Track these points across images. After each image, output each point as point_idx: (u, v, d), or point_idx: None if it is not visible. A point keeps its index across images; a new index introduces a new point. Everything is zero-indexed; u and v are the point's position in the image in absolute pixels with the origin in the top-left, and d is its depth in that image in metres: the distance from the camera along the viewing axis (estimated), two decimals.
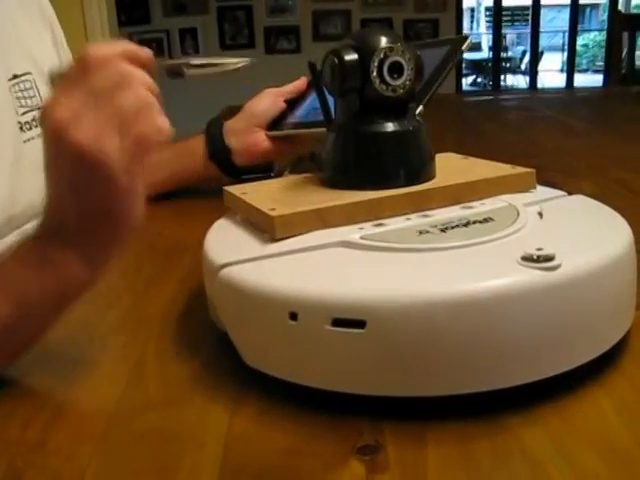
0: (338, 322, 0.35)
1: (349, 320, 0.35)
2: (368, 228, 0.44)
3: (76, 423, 0.38)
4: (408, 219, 0.45)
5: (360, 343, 0.35)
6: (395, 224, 0.44)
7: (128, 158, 0.39)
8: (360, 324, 0.35)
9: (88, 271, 0.42)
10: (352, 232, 0.43)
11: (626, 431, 0.35)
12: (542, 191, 0.51)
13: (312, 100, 0.82)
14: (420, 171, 0.49)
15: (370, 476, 0.32)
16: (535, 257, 0.36)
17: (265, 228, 0.45)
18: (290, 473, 0.33)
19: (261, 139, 0.82)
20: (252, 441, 0.35)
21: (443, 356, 0.35)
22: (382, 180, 0.48)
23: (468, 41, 0.73)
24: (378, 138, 0.48)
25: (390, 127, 0.48)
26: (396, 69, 0.47)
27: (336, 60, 0.48)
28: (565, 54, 7.60)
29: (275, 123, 0.83)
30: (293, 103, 0.84)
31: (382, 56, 0.47)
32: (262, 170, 0.91)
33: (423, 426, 0.35)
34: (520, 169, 0.51)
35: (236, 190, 0.52)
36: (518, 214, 0.44)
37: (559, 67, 9.01)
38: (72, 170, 0.39)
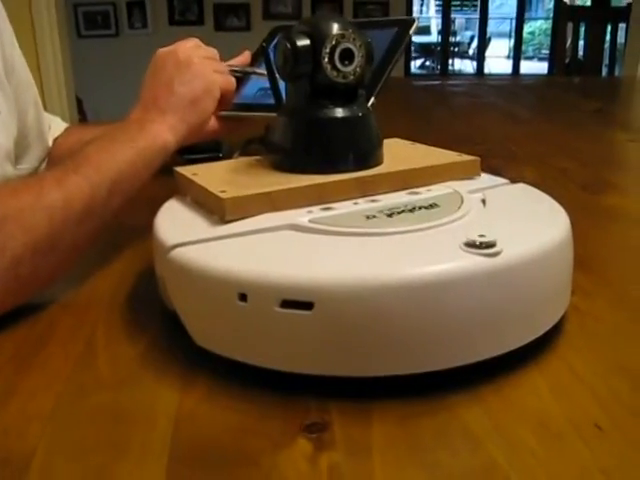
0: (287, 303, 0.36)
1: (297, 302, 0.36)
2: (316, 212, 0.45)
3: (25, 402, 0.38)
4: (356, 203, 0.46)
5: (308, 324, 0.36)
6: (343, 208, 0.45)
7: (215, 76, 0.70)
8: (308, 306, 0.36)
9: (172, 135, 0.63)
10: (301, 215, 0.44)
11: (558, 409, 0.37)
12: (486, 179, 0.53)
13: (258, 78, 0.83)
14: (368, 157, 0.50)
15: (317, 453, 0.33)
16: (477, 243, 0.37)
17: (215, 210, 0.45)
18: (240, 451, 0.34)
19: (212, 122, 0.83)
20: (202, 420, 0.36)
21: (387, 338, 0.36)
22: (331, 165, 0.48)
23: (415, 24, 0.74)
24: (328, 123, 0.49)
25: (340, 113, 0.49)
26: (347, 56, 0.48)
27: (288, 45, 0.48)
28: (512, 41, 7.73)
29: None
30: (238, 80, 0.84)
31: (334, 43, 0.48)
32: (211, 150, 0.91)
33: (368, 405, 0.37)
34: (465, 157, 0.53)
35: (187, 171, 0.52)
36: (462, 201, 0.46)
37: (506, 54, 9.15)
38: (179, 71, 0.67)
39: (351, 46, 0.48)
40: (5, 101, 0.72)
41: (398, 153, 0.54)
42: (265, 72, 0.82)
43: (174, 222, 0.46)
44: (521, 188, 0.52)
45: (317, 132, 0.49)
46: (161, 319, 0.46)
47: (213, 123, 0.80)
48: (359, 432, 0.35)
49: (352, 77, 0.49)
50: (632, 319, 0.47)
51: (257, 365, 0.38)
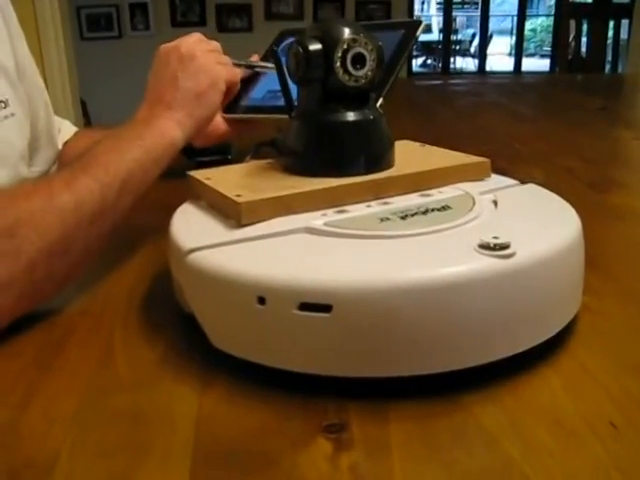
0: (305, 306, 0.36)
1: (316, 304, 0.36)
2: (331, 215, 0.45)
3: (47, 405, 0.39)
4: (369, 206, 0.47)
5: (326, 326, 0.37)
6: (357, 211, 0.46)
7: (219, 68, 0.70)
8: (326, 308, 0.36)
9: (179, 130, 0.63)
10: (315, 218, 0.44)
11: (573, 407, 0.37)
12: (496, 180, 0.53)
13: (267, 80, 0.83)
14: (380, 159, 0.51)
15: (337, 453, 0.34)
16: (491, 245, 0.38)
17: (230, 214, 0.46)
18: (261, 452, 0.34)
19: (218, 121, 0.81)
20: (222, 421, 0.36)
21: (404, 339, 0.37)
22: (344, 168, 0.49)
23: (422, 26, 0.75)
24: (340, 127, 0.49)
25: (352, 116, 0.49)
26: (359, 60, 0.49)
27: (301, 49, 0.49)
28: (514, 38, 7.72)
29: (230, 104, 0.83)
30: (247, 82, 0.84)
31: (345, 47, 0.48)
32: (220, 152, 0.92)
33: (385, 405, 0.37)
34: (475, 158, 0.53)
35: (200, 175, 0.52)
36: (474, 202, 0.47)
37: (507, 51, 9.14)
38: (183, 65, 0.67)
39: (363, 50, 0.49)
40: (20, 104, 0.73)
41: (409, 155, 0.54)
42: (268, 65, 0.83)
43: (190, 226, 0.47)
44: (531, 189, 0.52)
45: (330, 136, 0.49)
46: (177, 321, 0.47)
47: (222, 126, 0.81)
48: (377, 432, 0.35)
49: (364, 81, 0.49)
50: None
51: (275, 367, 0.39)
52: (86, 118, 3.17)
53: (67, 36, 2.78)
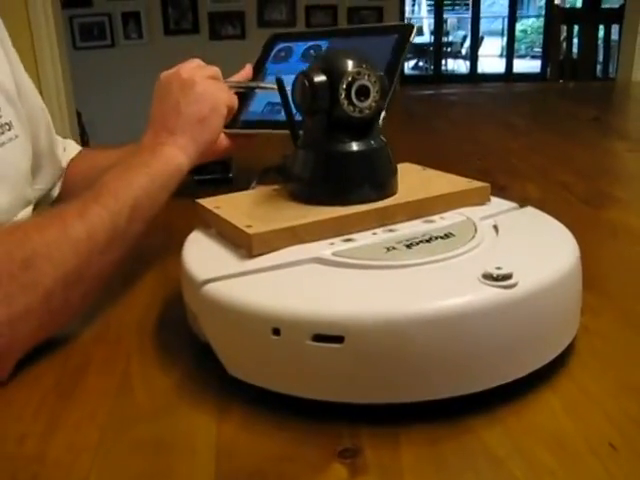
0: (318, 337, 0.38)
1: (328, 336, 0.38)
2: (338, 243, 0.47)
3: (71, 435, 0.40)
4: (374, 234, 0.49)
5: (338, 356, 0.38)
6: (363, 239, 0.48)
7: (220, 93, 0.72)
8: (339, 339, 0.38)
9: (184, 156, 0.65)
10: (324, 248, 0.46)
11: (573, 428, 0.39)
12: (495, 204, 0.55)
13: (265, 93, 0.84)
14: (385, 187, 0.52)
15: (352, 479, 0.35)
16: (494, 275, 0.40)
17: (241, 244, 0.47)
18: (280, 478, 0.36)
19: (220, 137, 0.80)
20: (241, 448, 0.38)
21: (413, 367, 0.39)
22: (350, 196, 0.51)
23: (414, 30, 0.76)
24: (346, 157, 0.51)
25: (357, 146, 0.51)
26: (363, 92, 0.50)
27: (306, 82, 0.51)
28: (504, 39, 7.77)
29: (230, 119, 0.82)
30: (245, 95, 0.86)
31: (350, 79, 0.50)
32: (220, 171, 0.94)
33: (396, 430, 0.39)
34: (476, 183, 0.55)
35: (209, 204, 0.54)
36: (476, 229, 0.48)
37: (498, 52, 9.18)
38: (184, 92, 0.69)
39: (367, 83, 0.50)
40: (21, 125, 0.74)
41: (411, 180, 0.56)
42: (267, 85, 0.85)
43: (202, 256, 0.48)
44: (529, 212, 0.54)
45: (336, 165, 0.51)
46: (191, 348, 0.48)
47: (224, 141, 0.82)
48: (389, 456, 0.37)
49: (368, 111, 0.51)
50: (638, 337, 0.49)
51: (290, 394, 0.40)
52: (81, 128, 3.17)
53: (61, 46, 2.79)
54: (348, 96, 0.50)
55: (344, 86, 0.50)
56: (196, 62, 0.74)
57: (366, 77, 0.51)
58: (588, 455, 0.37)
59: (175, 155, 0.64)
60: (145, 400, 0.43)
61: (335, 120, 0.51)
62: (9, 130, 0.72)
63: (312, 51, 0.86)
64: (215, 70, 0.75)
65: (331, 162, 0.52)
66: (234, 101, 0.77)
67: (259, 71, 0.89)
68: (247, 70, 0.87)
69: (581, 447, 0.37)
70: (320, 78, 0.51)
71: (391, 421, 0.40)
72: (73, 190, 0.85)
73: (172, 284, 0.56)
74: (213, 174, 0.94)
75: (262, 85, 0.86)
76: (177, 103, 0.68)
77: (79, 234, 0.51)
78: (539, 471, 0.36)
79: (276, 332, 0.39)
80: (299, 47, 0.88)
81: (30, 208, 0.78)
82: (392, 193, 0.53)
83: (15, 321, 0.46)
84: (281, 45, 0.90)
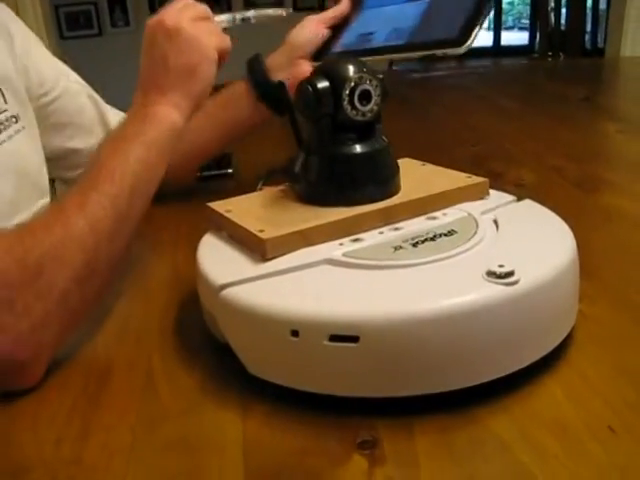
0: (335, 338, 0.41)
1: (344, 336, 0.41)
2: (347, 244, 0.49)
3: (104, 437, 0.43)
4: (381, 232, 0.51)
5: (354, 355, 0.41)
6: (371, 239, 0.50)
7: (208, 38, 0.65)
8: (354, 339, 0.41)
9: (177, 113, 0.62)
10: (334, 249, 0.49)
11: (574, 414, 0.42)
12: (494, 197, 0.57)
13: (358, 24, 0.79)
14: (388, 186, 0.55)
15: (372, 469, 0.38)
16: (497, 273, 0.42)
17: (255, 248, 0.50)
18: (305, 471, 0.39)
19: (307, 70, 0.77)
20: (267, 444, 0.41)
21: (424, 362, 0.41)
22: (355, 197, 0.53)
23: None
24: (351, 159, 0.53)
25: (361, 148, 0.53)
26: (365, 96, 0.53)
27: (310, 88, 0.53)
28: (492, 12, 7.74)
29: (320, 52, 0.80)
30: (337, 29, 0.81)
31: (353, 85, 0.52)
32: (220, 167, 0.95)
33: (410, 421, 0.42)
34: (475, 179, 0.57)
35: (220, 207, 0.56)
36: (477, 225, 0.51)
37: (486, 25, 9.15)
38: (170, 42, 0.64)
39: (369, 87, 0.53)
40: (28, 118, 0.76)
41: (412, 177, 0.58)
42: (256, 13, 0.78)
43: (217, 260, 0.51)
44: (527, 205, 0.57)
45: (341, 167, 0.54)
46: (211, 348, 0.51)
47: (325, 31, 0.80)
48: (405, 446, 0.40)
49: (370, 115, 0.53)
50: (634, 322, 0.52)
51: (309, 391, 0.43)
52: None
53: (50, 36, 2.78)
54: (351, 101, 0.52)
55: (347, 91, 0.52)
56: (182, 2, 0.68)
57: (368, 82, 0.53)
58: (588, 439, 0.39)
59: (168, 114, 0.62)
60: (170, 400, 0.46)
61: (339, 124, 0.53)
62: (16, 122, 0.73)
63: None
64: (202, 9, 0.69)
65: (337, 164, 0.54)
66: (225, 42, 0.69)
67: (357, 4, 0.82)
68: (344, 5, 0.82)
69: (582, 431, 0.40)
70: (323, 84, 0.53)
71: (405, 413, 0.42)
72: None
73: (186, 283, 0.58)
74: (213, 170, 0.96)
75: (246, 15, 0.79)
76: (164, 57, 0.64)
77: (82, 229, 0.51)
78: (543, 455, 0.39)
79: (295, 334, 0.42)
80: None
81: (48, 199, 0.80)
82: (395, 192, 0.55)
83: (38, 329, 0.48)
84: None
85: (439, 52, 0.61)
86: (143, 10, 4.34)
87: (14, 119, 0.73)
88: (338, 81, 0.52)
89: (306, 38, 0.81)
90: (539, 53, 5.21)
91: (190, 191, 0.90)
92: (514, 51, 7.17)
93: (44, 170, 0.79)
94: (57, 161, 0.84)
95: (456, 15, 0.62)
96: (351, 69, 0.53)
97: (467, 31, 0.59)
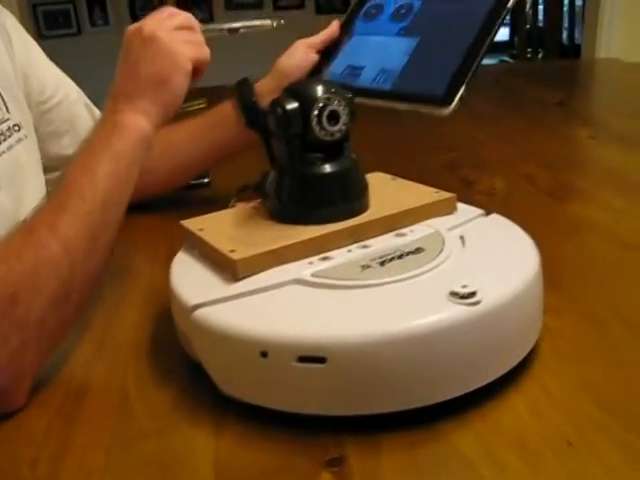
0: (303, 359, 0.42)
1: (312, 357, 0.42)
2: (316, 263, 0.51)
3: (80, 457, 0.44)
4: (349, 251, 0.52)
5: (321, 375, 0.42)
6: (340, 257, 0.51)
7: (184, 48, 0.64)
8: (321, 360, 0.42)
9: (146, 121, 0.62)
10: (303, 268, 0.50)
11: (536, 428, 0.43)
12: (462, 212, 0.59)
13: (348, 51, 0.79)
14: (357, 204, 0.56)
15: None
16: (460, 294, 0.44)
17: (226, 268, 0.51)
18: None
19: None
20: (238, 462, 0.42)
21: (389, 380, 0.43)
22: (324, 216, 0.54)
23: None
24: (320, 179, 0.55)
25: (330, 168, 0.55)
26: (334, 117, 0.54)
27: (280, 110, 0.54)
28: None
29: (313, 72, 0.80)
30: (326, 54, 0.81)
31: (321, 105, 0.53)
32: (197, 177, 0.96)
33: (377, 438, 0.43)
34: (444, 194, 0.59)
35: (193, 225, 0.57)
36: (443, 242, 0.52)
37: None
38: (144, 50, 0.63)
39: (337, 108, 0.54)
40: (29, 126, 0.76)
41: (381, 193, 0.59)
42: (244, 24, 0.78)
43: (190, 279, 0.52)
44: (494, 220, 0.58)
45: (311, 187, 0.55)
46: (184, 366, 0.52)
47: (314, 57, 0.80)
48: (372, 463, 0.41)
49: (339, 134, 0.54)
50: (599, 335, 0.54)
51: (279, 409, 0.44)
52: None
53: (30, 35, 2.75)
54: (319, 121, 0.54)
55: (315, 112, 0.53)
56: (167, 11, 0.68)
57: (336, 102, 0.54)
58: (548, 453, 0.41)
59: (137, 122, 0.61)
60: (144, 419, 0.47)
61: (308, 144, 0.54)
62: (18, 131, 0.72)
63: (403, 11, 0.75)
64: (184, 18, 0.68)
65: (306, 184, 0.55)
66: (203, 54, 0.67)
67: (347, 28, 0.82)
68: (334, 27, 0.82)
69: (542, 446, 0.42)
70: (292, 105, 0.54)
71: (372, 430, 0.43)
72: None
73: (161, 300, 0.59)
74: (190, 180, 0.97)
75: (233, 26, 0.80)
76: (136, 63, 0.64)
77: (55, 253, 0.50)
78: (504, 470, 0.40)
79: (264, 355, 0.43)
80: (389, 5, 0.78)
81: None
82: (364, 209, 0.56)
83: (16, 357, 0.48)
84: (374, 1, 0.81)
85: (423, 110, 0.62)
86: (123, 9, 4.32)
87: (16, 127, 0.71)
88: (307, 102, 0.54)
89: (295, 64, 0.81)
90: (518, 50, 5.27)
91: (168, 200, 0.90)
92: (495, 47, 7.19)
93: (42, 179, 0.79)
94: (52, 169, 0.83)
95: (446, 62, 0.63)
96: (319, 90, 0.54)
97: (453, 90, 0.60)
